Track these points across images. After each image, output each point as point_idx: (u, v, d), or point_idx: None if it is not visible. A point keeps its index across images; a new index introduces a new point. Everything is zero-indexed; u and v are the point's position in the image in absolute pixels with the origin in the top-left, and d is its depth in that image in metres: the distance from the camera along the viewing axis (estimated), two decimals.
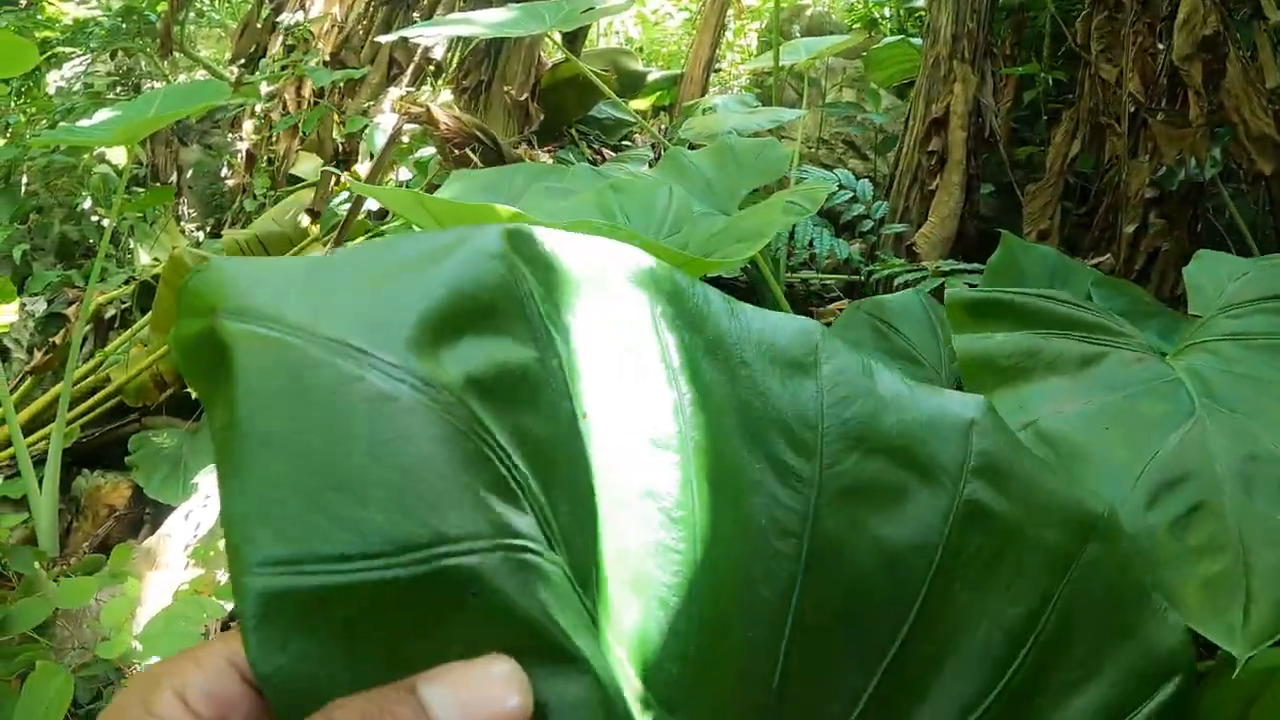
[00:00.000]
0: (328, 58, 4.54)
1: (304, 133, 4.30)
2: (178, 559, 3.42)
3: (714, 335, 0.80)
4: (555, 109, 4.12)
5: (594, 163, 4.02)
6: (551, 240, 0.67)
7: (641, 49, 7.01)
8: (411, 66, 3.74)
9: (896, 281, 2.55)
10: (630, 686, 0.65)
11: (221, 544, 3.20)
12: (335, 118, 4.01)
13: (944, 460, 0.91)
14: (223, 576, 3.12)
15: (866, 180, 3.27)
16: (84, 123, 4.37)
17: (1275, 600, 1.05)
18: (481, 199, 2.32)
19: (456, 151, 2.72)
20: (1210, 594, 1.07)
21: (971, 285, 2.40)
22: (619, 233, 1.25)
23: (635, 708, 0.64)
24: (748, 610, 0.80)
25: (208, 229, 6.09)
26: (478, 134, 2.77)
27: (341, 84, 4.12)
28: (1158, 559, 1.11)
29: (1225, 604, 1.06)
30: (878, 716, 0.83)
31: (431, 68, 3.77)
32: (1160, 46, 2.90)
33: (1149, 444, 1.23)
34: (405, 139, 3.65)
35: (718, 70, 5.78)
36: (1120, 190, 2.92)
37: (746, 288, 3.27)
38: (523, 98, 3.65)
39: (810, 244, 3.01)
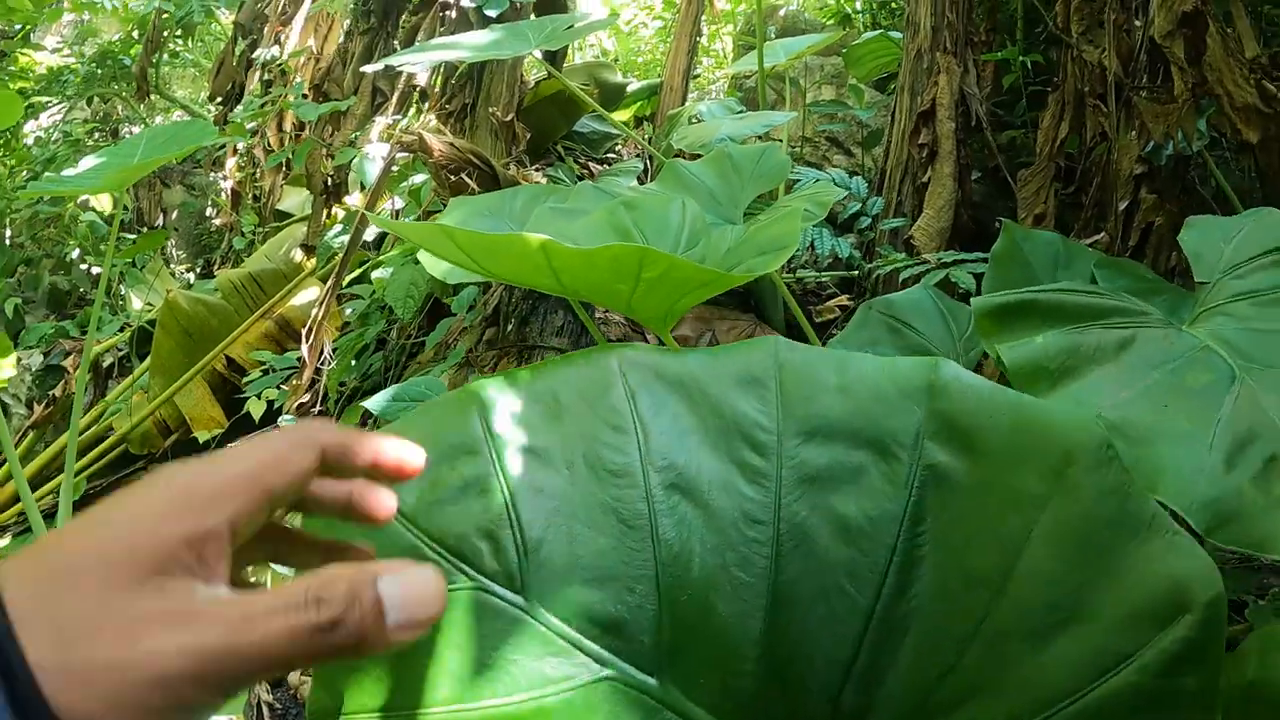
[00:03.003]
0: (308, 90, 4.54)
1: (296, 167, 4.30)
2: None
3: (678, 376, 1.08)
4: (539, 127, 4.14)
5: (581, 177, 4.03)
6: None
7: (618, 60, 7.03)
8: (396, 95, 3.75)
9: (902, 276, 2.57)
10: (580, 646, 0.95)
11: None
12: (323, 151, 4.02)
13: (899, 433, 1.02)
14: None
15: (860, 178, 3.29)
16: (69, 172, 4.36)
17: None
18: (484, 224, 2.33)
19: (452, 178, 2.73)
20: None
21: (975, 275, 2.42)
22: (653, 255, 1.27)
23: (586, 660, 0.95)
24: (727, 591, 0.97)
25: (197, 270, 6.09)
26: (472, 158, 2.78)
27: (326, 116, 4.13)
28: (1250, 514, 1.14)
29: None
30: (863, 685, 0.94)
31: (416, 94, 3.77)
32: (1138, 24, 2.93)
33: (1207, 412, 1.28)
34: (396, 167, 3.65)
35: (695, 76, 5.80)
36: (1110, 169, 2.94)
37: (745, 291, 3.28)
38: (509, 118, 3.66)
39: (811, 245, 3.02)
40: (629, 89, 5.04)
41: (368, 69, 3.37)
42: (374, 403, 2.13)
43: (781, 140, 3.75)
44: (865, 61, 4.09)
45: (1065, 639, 0.92)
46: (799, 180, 3.17)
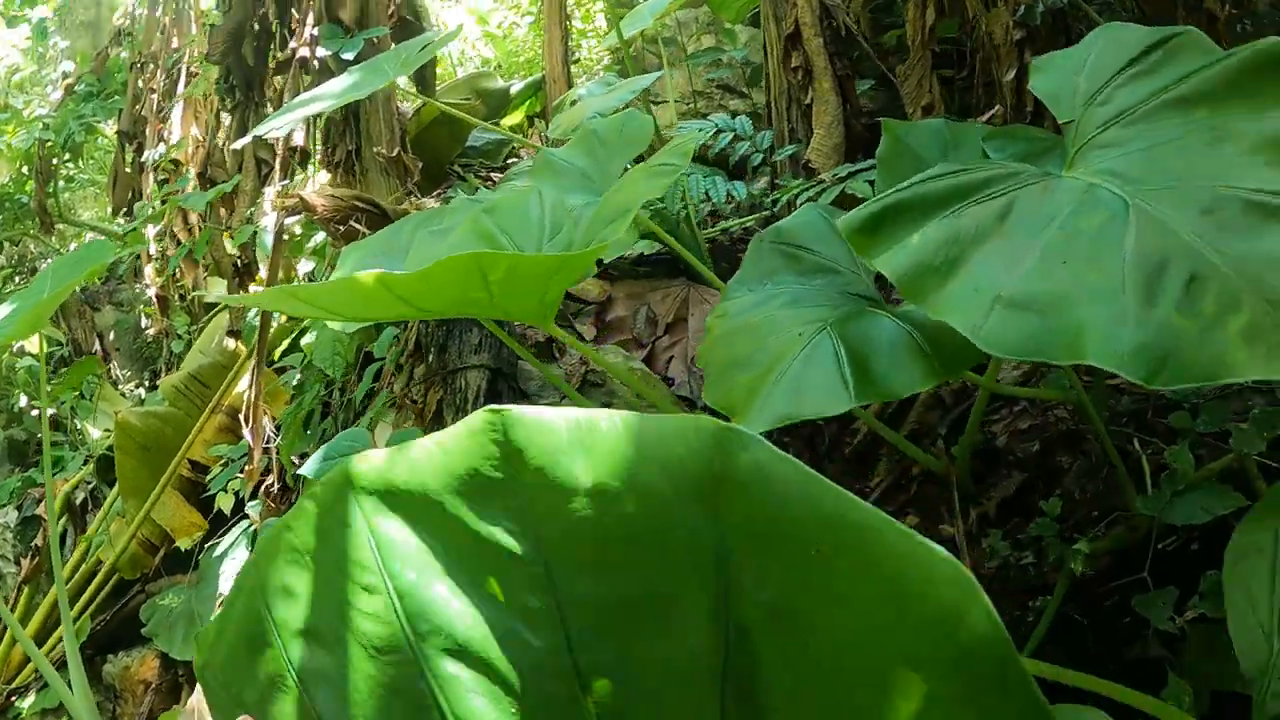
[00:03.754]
0: (197, 180, 4.49)
1: (198, 259, 4.25)
2: None
3: (409, 493, 0.84)
4: (431, 151, 4.10)
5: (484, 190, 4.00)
6: None
7: (499, 65, 6.97)
8: (278, 160, 3.70)
9: (799, 200, 2.54)
10: None
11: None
12: (224, 234, 3.97)
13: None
14: None
15: (744, 116, 3.25)
16: None
17: None
18: (376, 264, 2.29)
19: (341, 228, 2.69)
20: (1252, 341, 1.05)
21: (871, 182, 2.38)
22: (490, 257, 1.23)
23: None
24: None
25: (145, 384, 6.04)
26: (358, 203, 2.74)
27: (218, 199, 4.08)
28: (1185, 346, 1.07)
29: (1276, 341, 1.03)
30: None
31: (298, 155, 3.73)
32: None
33: (1109, 254, 1.20)
34: (298, 231, 3.61)
35: (577, 61, 5.76)
36: (988, 42, 2.91)
37: (672, 258, 3.25)
38: (394, 153, 3.62)
39: (707, 195, 2.99)
40: (513, 90, 5.00)
41: (238, 144, 3.33)
42: (308, 468, 2.11)
43: (669, 101, 3.72)
44: (730, 3, 4.05)
45: None
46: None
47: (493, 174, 4.41)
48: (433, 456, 0.84)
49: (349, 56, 3.61)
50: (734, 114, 3.39)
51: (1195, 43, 1.51)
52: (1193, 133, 1.38)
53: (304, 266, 3.54)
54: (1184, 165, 1.31)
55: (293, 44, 3.87)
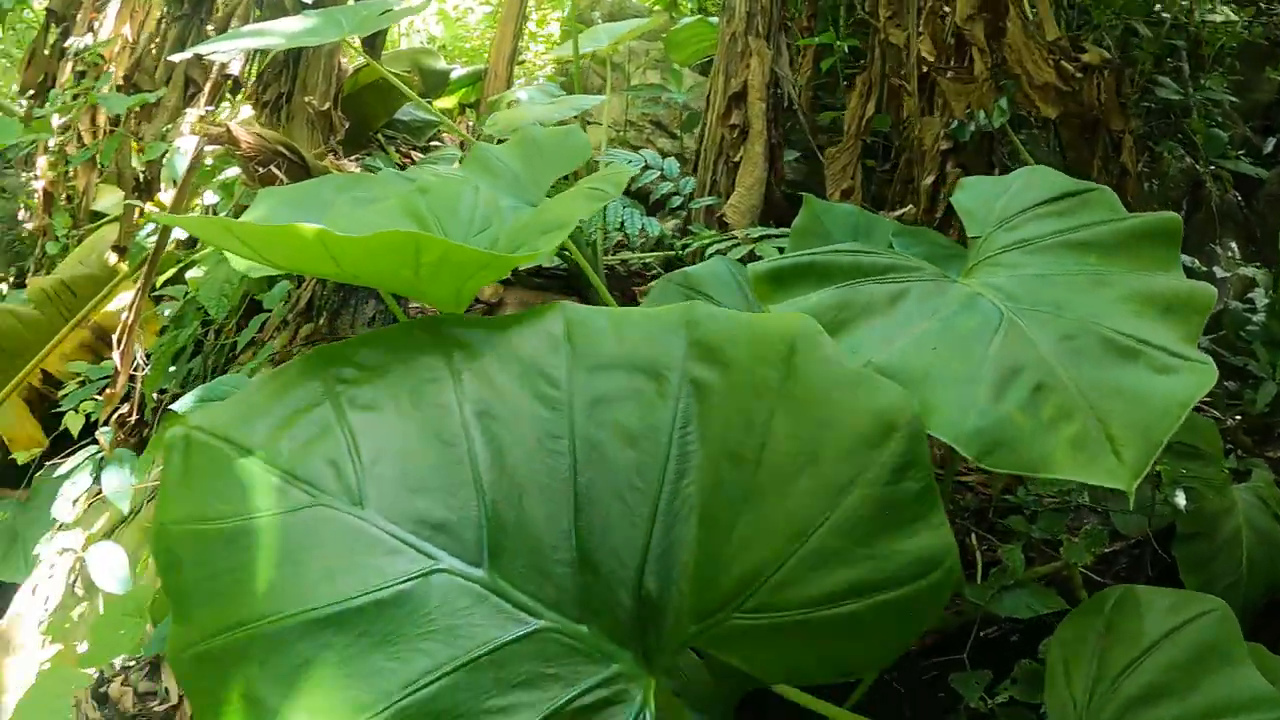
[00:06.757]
0: (121, 81, 4.36)
1: (102, 164, 4.13)
2: (33, 638, 3.26)
3: (492, 341, 1.31)
4: (359, 115, 4.07)
5: (403, 166, 3.99)
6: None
7: (444, 46, 6.95)
8: (209, 85, 3.64)
9: (709, 251, 2.62)
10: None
11: (75, 613, 3.06)
12: (134, 145, 3.87)
13: (665, 359, 1.25)
14: (82, 647, 2.98)
15: (673, 158, 3.34)
16: None
17: (1138, 438, 1.22)
18: (290, 216, 2.28)
19: (261, 170, 2.67)
20: (1078, 450, 1.23)
21: (781, 250, 2.48)
22: (428, 240, 1.28)
23: (418, 556, 1.13)
24: (537, 495, 1.18)
25: (10, 279, 5.79)
26: (282, 150, 2.73)
27: (137, 109, 3.97)
28: (1020, 439, 1.26)
29: (1096, 453, 1.22)
30: (661, 565, 1.14)
31: (230, 84, 3.66)
32: (947, 9, 3.05)
33: (975, 351, 1.39)
34: (209, 161, 3.55)
35: (521, 62, 5.79)
36: (916, 146, 3.06)
37: (567, 274, 3.30)
38: (325, 107, 3.59)
39: (622, 225, 3.06)
40: (453, 75, 5.00)
41: (177, 58, 3.26)
42: (182, 403, 2.09)
43: (603, 125, 3.78)
44: (686, 45, 4.14)
45: (804, 479, 1.15)
46: (610, 163, 3.20)
47: (414, 151, 4.40)
48: (513, 318, 1.35)
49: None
50: (663, 153, 3.47)
51: (1105, 200, 1.71)
52: (1080, 273, 1.59)
53: (208, 198, 3.48)
54: (1064, 296, 1.51)
55: None
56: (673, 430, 1.20)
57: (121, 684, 1.81)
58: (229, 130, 2.73)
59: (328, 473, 1.19)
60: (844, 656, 1.14)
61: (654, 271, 3.51)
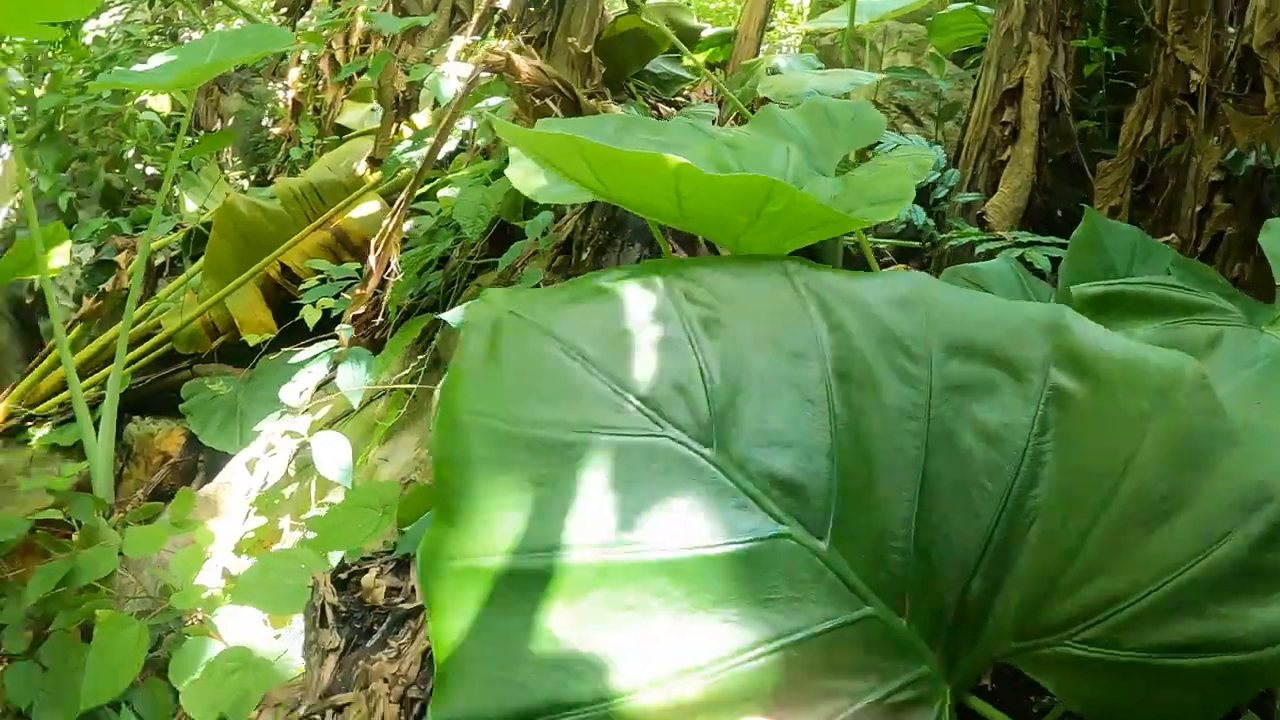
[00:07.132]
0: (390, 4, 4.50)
1: (370, 79, 4.28)
2: (239, 507, 3.42)
3: (840, 290, 1.25)
4: (614, 62, 4.11)
5: (657, 117, 4.01)
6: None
7: (690, 4, 6.96)
8: (477, 15, 3.72)
9: (978, 250, 2.56)
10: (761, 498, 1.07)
11: (287, 492, 3.21)
12: (398, 65, 4.00)
13: (1029, 359, 1.19)
14: (285, 524, 3.11)
15: (938, 146, 3.26)
16: (138, 68, 4.33)
17: None
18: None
19: (537, 102, 2.72)
20: None
21: (1053, 259, 2.41)
22: (781, 187, 1.27)
23: (766, 517, 1.06)
24: (888, 471, 1.11)
25: (251, 177, 6.09)
26: (558, 84, 2.77)
27: (402, 32, 4.10)
28: None
29: None
30: (994, 568, 1.09)
31: (497, 16, 3.75)
32: (1232, 30, 2.89)
33: None
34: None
35: (769, 29, 5.74)
36: (1187, 171, 2.92)
37: (807, 251, 3.27)
38: (586, 50, 3.63)
39: None
40: (704, 34, 5.01)
41: None
42: (452, 315, 2.15)
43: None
44: (950, 32, 4.04)
45: (1172, 524, 1.11)
46: (878, 143, 3.14)
47: (661, 104, 4.43)
48: (866, 278, 1.31)
49: None
50: (927, 139, 3.40)
51: None
52: None
53: (467, 124, 3.57)
54: None
55: None
56: (1030, 435, 1.14)
57: (376, 576, 1.87)
58: (510, 59, 2.78)
59: (677, 401, 1.10)
60: (1171, 707, 1.10)
61: (885, 259, 3.45)
